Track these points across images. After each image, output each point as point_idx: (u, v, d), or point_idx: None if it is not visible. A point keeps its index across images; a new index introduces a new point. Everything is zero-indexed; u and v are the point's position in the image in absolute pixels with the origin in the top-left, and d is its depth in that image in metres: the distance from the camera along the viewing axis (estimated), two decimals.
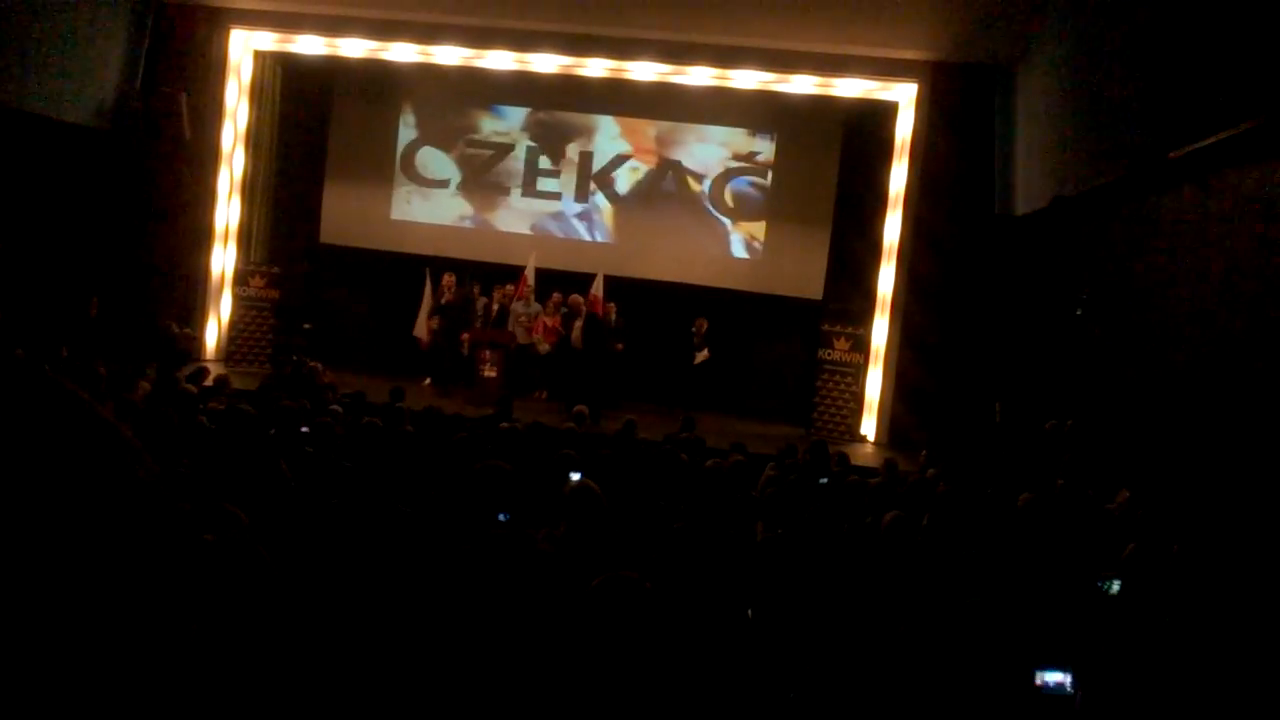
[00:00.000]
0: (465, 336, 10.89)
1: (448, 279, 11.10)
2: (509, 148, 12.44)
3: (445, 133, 12.57)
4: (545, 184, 12.48)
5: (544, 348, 10.84)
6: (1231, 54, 5.78)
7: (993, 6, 9.40)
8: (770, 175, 12.15)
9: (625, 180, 12.36)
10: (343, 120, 12.59)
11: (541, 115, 12.41)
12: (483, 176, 12.53)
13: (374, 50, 11.17)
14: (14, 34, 9.18)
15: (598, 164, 12.38)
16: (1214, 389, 6.04)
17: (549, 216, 12.52)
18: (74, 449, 0.66)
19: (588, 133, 12.38)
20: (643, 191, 12.35)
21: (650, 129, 12.28)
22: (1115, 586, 3.75)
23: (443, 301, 11.04)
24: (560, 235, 12.46)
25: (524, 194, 12.50)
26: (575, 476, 4.89)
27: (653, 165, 12.29)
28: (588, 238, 12.46)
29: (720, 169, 12.19)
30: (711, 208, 12.25)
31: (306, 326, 10.97)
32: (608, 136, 12.37)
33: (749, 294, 12.02)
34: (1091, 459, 7.30)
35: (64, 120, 10.14)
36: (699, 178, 12.23)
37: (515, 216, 12.51)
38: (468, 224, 12.55)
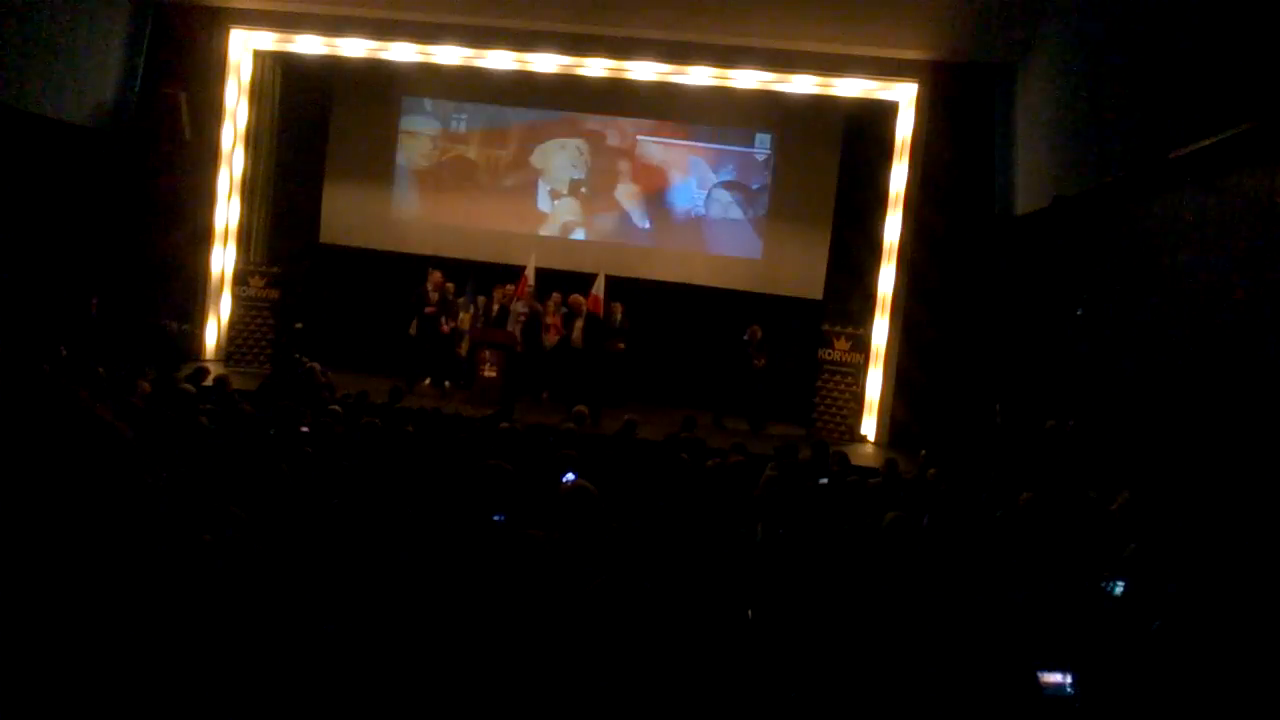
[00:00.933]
0: (445, 330, 10.85)
1: (435, 277, 11.06)
2: (503, 147, 12.44)
3: (440, 131, 12.56)
4: (543, 183, 12.48)
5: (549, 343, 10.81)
6: (1232, 54, 5.77)
7: (993, 6, 9.39)
8: (770, 175, 12.15)
9: (624, 180, 12.36)
10: (342, 120, 12.59)
11: (535, 114, 12.40)
12: (477, 176, 12.52)
13: (374, 50, 11.16)
14: (13, 33, 9.17)
15: (597, 164, 12.38)
16: (1214, 389, 6.03)
17: (548, 216, 12.51)
18: (81, 456, 0.66)
19: (581, 132, 12.38)
20: (639, 191, 12.35)
21: (644, 127, 12.28)
22: (1119, 588, 3.73)
23: (432, 299, 11.00)
24: (558, 235, 12.46)
25: (519, 194, 12.50)
26: (568, 478, 4.88)
27: (647, 166, 12.29)
28: (584, 237, 12.45)
29: (706, 167, 12.21)
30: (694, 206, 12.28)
31: (298, 326, 10.95)
32: (604, 135, 12.37)
33: (749, 294, 12.01)
34: (1092, 459, 7.29)
35: (64, 120, 10.13)
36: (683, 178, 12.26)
37: (512, 216, 12.51)
38: (467, 224, 12.54)
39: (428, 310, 10.90)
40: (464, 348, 10.93)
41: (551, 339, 10.83)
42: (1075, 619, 3.67)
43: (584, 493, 3.09)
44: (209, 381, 8.06)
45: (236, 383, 8.35)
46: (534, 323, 10.69)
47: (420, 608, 2.69)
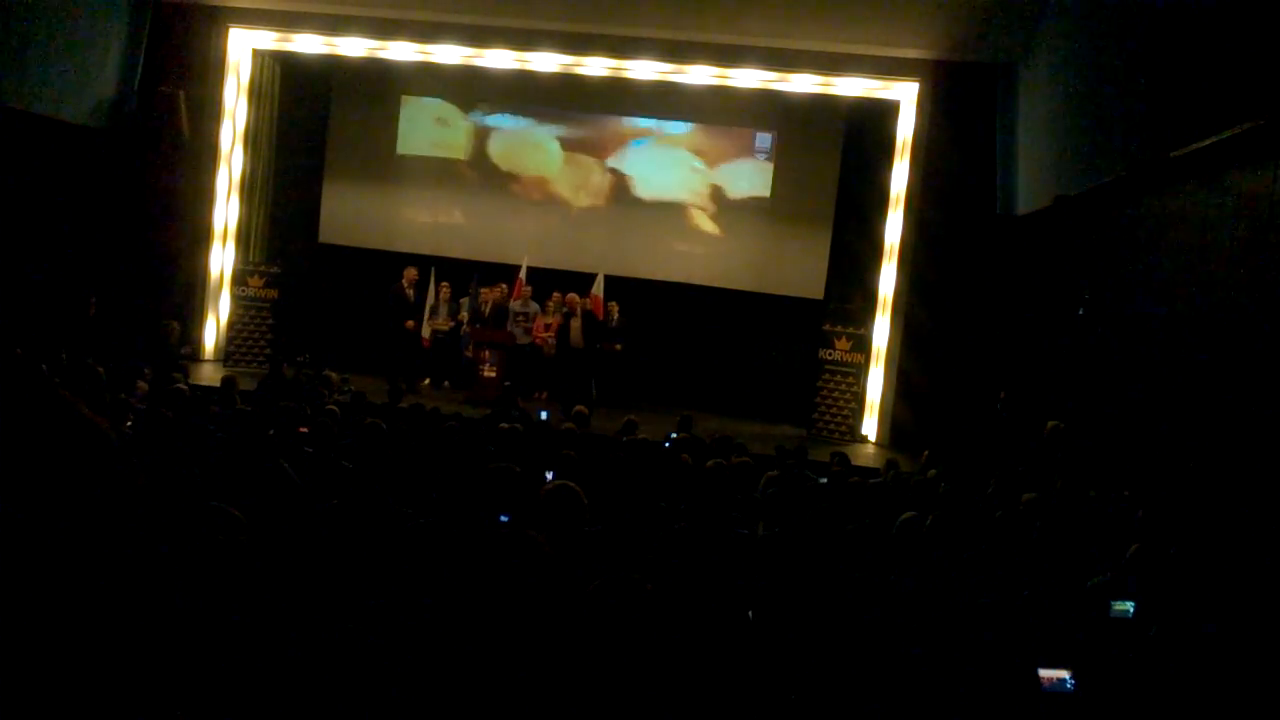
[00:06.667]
0: (409, 325, 10.85)
1: (410, 274, 11.01)
2: (502, 146, 12.44)
3: (441, 130, 12.55)
4: (542, 183, 12.46)
5: (549, 348, 10.80)
6: (1233, 53, 5.75)
7: (995, 5, 9.37)
8: (770, 175, 12.13)
9: (623, 180, 12.35)
10: (342, 119, 12.57)
11: (534, 113, 12.38)
12: (477, 175, 12.51)
13: (373, 49, 11.15)
14: (12, 33, 9.16)
15: (596, 163, 12.37)
16: (1216, 388, 6.02)
17: (547, 215, 12.49)
18: (61, 451, 0.64)
19: (581, 131, 12.37)
20: (639, 191, 12.34)
21: (644, 126, 12.27)
22: (1130, 610, 3.67)
23: (411, 298, 10.97)
24: (557, 235, 12.43)
25: (519, 193, 12.49)
26: (549, 476, 4.87)
27: (647, 166, 12.28)
28: (584, 236, 12.42)
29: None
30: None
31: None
32: (603, 134, 12.35)
33: (749, 294, 12.00)
34: (1091, 459, 7.28)
35: (62, 119, 10.11)
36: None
37: (511, 216, 12.49)
38: (466, 223, 12.52)
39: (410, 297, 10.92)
40: (470, 349, 10.87)
41: (551, 339, 10.81)
42: (1075, 617, 3.65)
43: (568, 492, 3.06)
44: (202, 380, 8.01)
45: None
46: (571, 318, 10.74)
47: (420, 608, 2.68)
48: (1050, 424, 7.81)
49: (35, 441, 0.66)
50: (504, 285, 11.10)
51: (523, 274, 11.13)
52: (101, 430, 0.67)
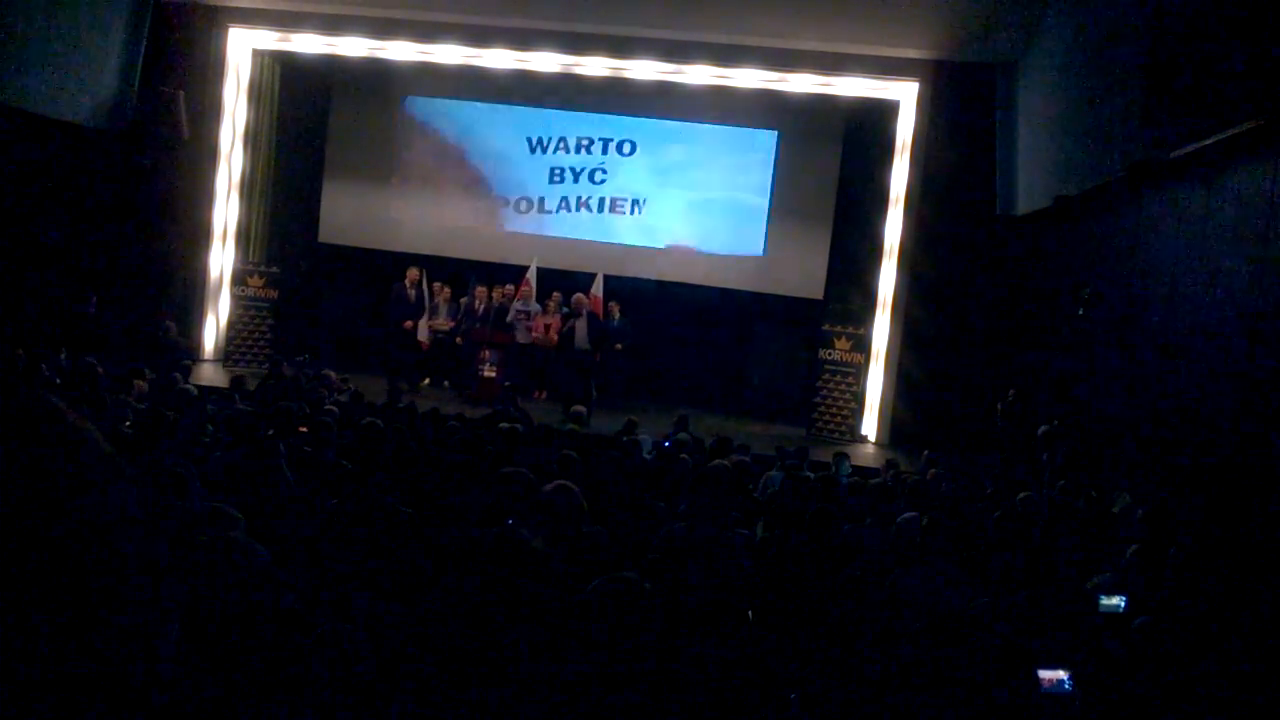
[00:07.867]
0: (408, 325, 10.85)
1: (411, 274, 11.02)
2: (502, 146, 12.44)
3: (442, 130, 12.55)
4: (542, 182, 12.45)
5: (549, 341, 10.78)
6: (1233, 54, 5.76)
7: (995, 5, 9.38)
8: (770, 174, 12.13)
9: (623, 180, 12.34)
10: (341, 119, 12.57)
11: (534, 113, 12.38)
12: (479, 175, 12.51)
13: (373, 49, 11.15)
14: (13, 33, 9.16)
15: (596, 163, 12.36)
16: (1215, 388, 6.02)
17: (547, 215, 12.49)
18: (46, 456, 0.64)
19: (581, 131, 12.36)
20: (638, 190, 12.33)
21: (644, 126, 12.27)
22: (1121, 604, 3.69)
23: (412, 299, 10.99)
24: (557, 235, 12.42)
25: (519, 193, 12.49)
26: None
27: (646, 166, 12.28)
28: (584, 236, 12.42)
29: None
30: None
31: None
32: (602, 134, 12.35)
33: (749, 294, 12.00)
34: (1090, 459, 7.29)
35: (62, 119, 10.11)
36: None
37: (511, 216, 12.49)
38: (466, 223, 12.52)
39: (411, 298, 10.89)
40: (462, 342, 10.85)
41: (551, 339, 10.80)
42: (1075, 618, 3.65)
43: (566, 492, 3.06)
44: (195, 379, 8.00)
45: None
46: (573, 318, 10.69)
47: (418, 607, 2.68)
48: (1043, 428, 7.83)
49: (23, 447, 0.66)
50: (510, 286, 11.08)
51: (531, 274, 11.12)
52: (93, 436, 0.66)
